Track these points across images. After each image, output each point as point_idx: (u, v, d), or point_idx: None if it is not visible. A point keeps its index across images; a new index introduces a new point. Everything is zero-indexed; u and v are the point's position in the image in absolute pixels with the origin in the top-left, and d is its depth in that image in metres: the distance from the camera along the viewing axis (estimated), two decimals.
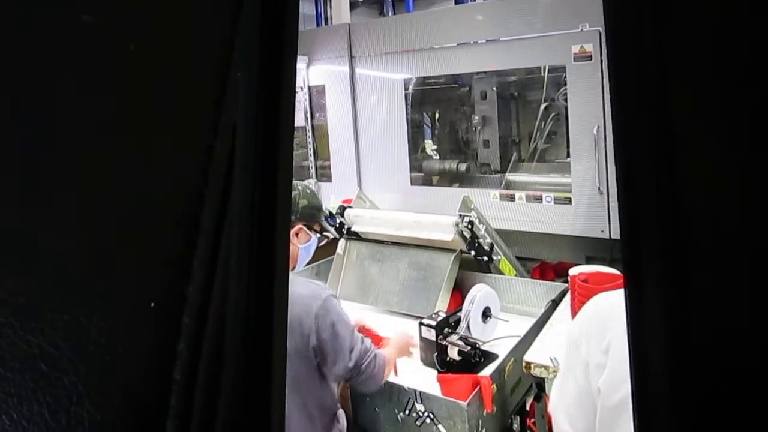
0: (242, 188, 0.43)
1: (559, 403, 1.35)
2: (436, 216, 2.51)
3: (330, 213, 2.81)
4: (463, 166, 3.19)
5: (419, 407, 1.77)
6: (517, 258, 2.73)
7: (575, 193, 2.59)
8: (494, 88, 3.08)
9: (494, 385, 1.78)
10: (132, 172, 0.40)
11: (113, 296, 0.39)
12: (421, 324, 2.06)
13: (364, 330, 1.96)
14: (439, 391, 1.83)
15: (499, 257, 2.53)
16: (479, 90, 3.13)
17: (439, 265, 2.51)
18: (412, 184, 3.16)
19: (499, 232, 2.63)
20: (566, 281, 2.23)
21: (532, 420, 2.07)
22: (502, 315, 2.22)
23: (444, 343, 1.99)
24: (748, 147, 0.33)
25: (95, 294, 0.38)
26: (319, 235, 1.87)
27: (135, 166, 0.40)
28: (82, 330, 0.38)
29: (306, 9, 8.36)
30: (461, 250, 2.48)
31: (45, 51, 0.36)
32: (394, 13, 8.67)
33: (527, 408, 2.09)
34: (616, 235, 2.44)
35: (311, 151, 3.66)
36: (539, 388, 1.96)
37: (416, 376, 1.97)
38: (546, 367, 1.78)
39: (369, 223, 2.71)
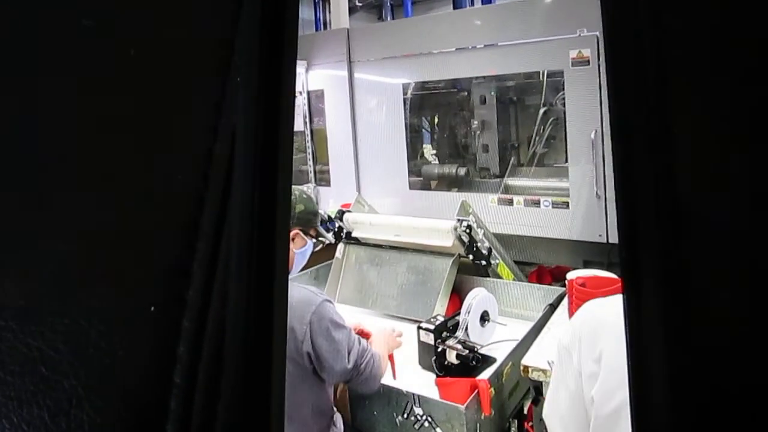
0: (242, 191, 0.43)
1: (552, 411, 1.35)
2: (434, 220, 2.52)
3: (329, 217, 2.82)
4: (462, 171, 3.20)
5: (417, 411, 1.76)
6: (515, 262, 2.74)
7: (573, 197, 2.59)
8: (493, 93, 3.09)
9: (492, 389, 1.78)
10: (131, 175, 0.40)
11: (113, 299, 0.39)
12: (419, 328, 2.06)
13: (362, 333, 1.96)
14: (437, 394, 1.83)
15: (497, 261, 2.54)
16: (478, 94, 3.14)
17: (437, 269, 2.52)
18: (410, 188, 3.16)
19: (497, 236, 2.63)
20: (564, 285, 2.24)
21: (530, 423, 2.07)
22: (500, 319, 2.22)
23: (442, 346, 1.99)
24: (747, 148, 0.33)
25: (95, 297, 0.38)
26: (314, 240, 1.87)
27: (134, 169, 0.40)
28: (82, 333, 0.37)
29: (305, 14, 8.39)
30: (459, 254, 2.48)
31: (44, 52, 0.36)
32: (393, 18, 8.70)
33: (525, 411, 2.09)
34: (613, 239, 2.45)
35: (310, 156, 3.66)
36: (537, 391, 1.97)
37: (414, 379, 1.98)
38: (544, 371, 1.78)
39: (368, 227, 2.72)
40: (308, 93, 3.54)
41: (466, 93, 3.29)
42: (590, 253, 2.61)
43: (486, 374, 1.86)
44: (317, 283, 2.82)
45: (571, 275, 2.10)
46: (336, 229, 2.79)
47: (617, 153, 0.37)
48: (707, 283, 0.35)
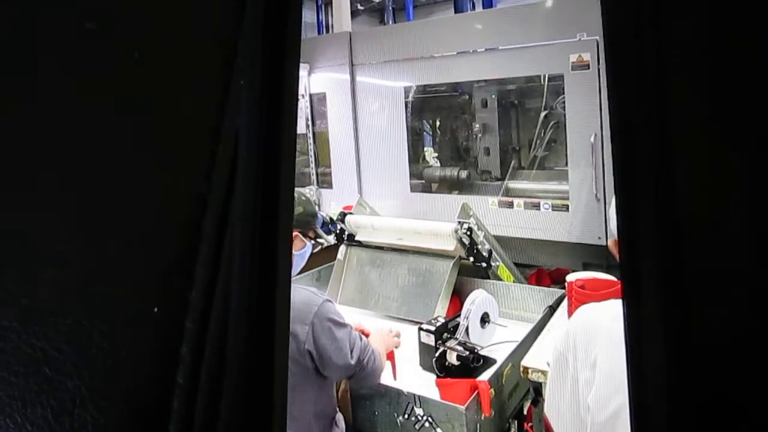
0: (245, 193, 0.43)
1: (553, 410, 1.36)
2: (435, 223, 2.53)
3: (330, 219, 2.83)
4: (463, 174, 3.20)
5: (418, 411, 1.77)
6: (515, 264, 2.75)
7: (572, 200, 2.60)
8: (494, 96, 3.09)
9: (492, 390, 1.78)
10: (134, 177, 0.40)
11: (116, 300, 0.39)
12: (420, 329, 2.07)
13: (361, 332, 1.98)
14: (438, 395, 1.84)
15: (497, 263, 2.55)
16: (479, 98, 3.15)
17: (438, 271, 2.53)
18: (411, 190, 3.17)
19: (497, 238, 2.64)
20: (562, 288, 2.25)
21: (530, 424, 2.08)
22: (500, 320, 2.23)
23: (443, 348, 2.00)
24: (747, 150, 0.33)
25: (98, 298, 0.39)
26: (313, 242, 1.89)
27: (137, 171, 0.40)
28: (85, 334, 0.38)
29: (307, 17, 8.41)
30: (460, 257, 2.49)
31: (47, 53, 0.36)
32: (395, 22, 8.71)
33: (525, 412, 2.09)
34: None
35: (312, 158, 3.67)
36: (536, 392, 1.98)
37: (415, 380, 1.98)
38: (543, 372, 1.78)
39: (369, 229, 2.73)
40: (311, 96, 3.55)
41: (467, 96, 3.30)
42: (589, 256, 2.62)
43: (486, 375, 1.87)
44: (319, 284, 2.83)
45: (570, 277, 2.11)
46: (337, 231, 2.81)
47: (617, 155, 0.37)
48: (707, 284, 0.35)
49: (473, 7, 8.02)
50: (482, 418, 1.75)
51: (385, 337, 1.96)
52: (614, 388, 1.16)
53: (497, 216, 2.83)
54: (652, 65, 0.34)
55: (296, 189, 1.98)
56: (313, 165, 3.68)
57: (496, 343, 2.17)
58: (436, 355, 1.99)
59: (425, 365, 2.06)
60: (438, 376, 1.98)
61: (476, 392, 1.76)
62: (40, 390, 0.37)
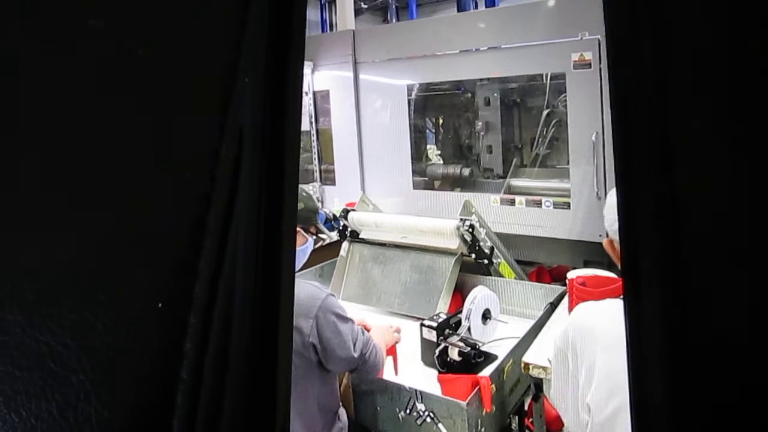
0: (249, 190, 0.43)
1: (558, 400, 1.38)
2: (437, 220, 2.54)
3: (333, 216, 2.85)
4: (465, 171, 3.22)
5: (420, 406, 1.78)
6: (517, 261, 2.76)
7: (574, 198, 2.62)
8: (497, 95, 3.10)
9: (493, 386, 1.79)
10: (139, 174, 0.40)
11: (121, 296, 0.39)
12: (422, 325, 2.08)
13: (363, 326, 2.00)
14: (440, 390, 1.85)
15: (499, 260, 2.56)
16: (482, 96, 3.16)
17: (440, 268, 2.54)
18: (414, 188, 3.19)
19: (499, 235, 2.65)
20: (564, 285, 2.27)
21: (530, 420, 2.10)
22: (501, 317, 2.24)
23: (444, 343, 2.01)
24: (748, 149, 0.33)
25: (103, 293, 0.39)
26: (315, 238, 1.90)
27: (142, 168, 0.40)
28: (90, 329, 0.38)
29: (311, 15, 8.41)
30: (462, 253, 2.50)
31: (51, 53, 0.36)
32: (398, 20, 8.70)
33: (525, 408, 2.11)
34: None
35: (316, 155, 3.69)
36: (537, 388, 1.99)
37: (417, 375, 2.00)
38: (544, 368, 1.79)
39: (372, 226, 2.75)
40: (314, 93, 3.56)
41: (470, 94, 3.31)
42: (590, 253, 2.63)
43: (487, 371, 1.88)
44: (322, 280, 2.85)
45: (571, 274, 2.12)
46: (340, 228, 2.82)
47: (618, 153, 0.37)
48: (707, 283, 0.34)
49: (476, 6, 8.00)
50: (483, 413, 1.76)
51: (385, 332, 1.98)
52: (611, 390, 1.18)
53: (499, 213, 2.84)
54: (653, 64, 0.34)
55: None
56: (316, 162, 3.70)
57: (498, 339, 2.18)
58: (438, 350, 2.00)
59: (427, 361, 2.07)
60: (439, 372, 1.99)
61: (477, 388, 1.77)
62: (45, 384, 0.37)
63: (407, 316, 2.51)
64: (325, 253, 2.88)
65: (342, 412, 1.83)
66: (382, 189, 3.26)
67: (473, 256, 2.47)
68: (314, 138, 3.68)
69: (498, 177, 3.18)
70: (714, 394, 0.35)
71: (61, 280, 0.38)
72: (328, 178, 3.67)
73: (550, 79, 2.86)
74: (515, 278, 2.63)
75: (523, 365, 1.86)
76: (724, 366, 0.34)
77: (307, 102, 3.57)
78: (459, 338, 2.03)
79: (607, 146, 2.44)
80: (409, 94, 3.16)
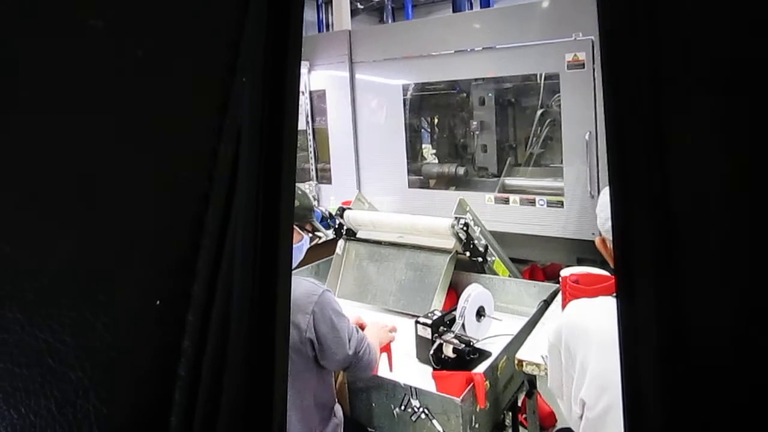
0: (246, 190, 0.43)
1: (555, 388, 1.40)
2: (432, 218, 2.55)
3: (329, 214, 2.86)
4: (460, 170, 3.24)
5: (414, 403, 1.78)
6: (511, 259, 2.77)
7: (567, 196, 2.64)
8: (491, 95, 3.13)
9: (487, 382, 1.80)
10: (138, 174, 0.40)
11: (120, 294, 0.40)
12: (417, 322, 2.09)
13: (359, 324, 2.01)
14: (434, 387, 1.86)
15: (493, 258, 2.57)
16: (477, 96, 3.18)
17: (435, 266, 2.55)
18: (410, 186, 3.20)
19: (493, 234, 2.67)
20: (555, 283, 2.28)
21: (524, 415, 2.12)
22: (495, 314, 2.24)
23: (439, 341, 2.02)
24: (740, 148, 0.33)
25: (102, 292, 0.39)
26: (310, 235, 1.92)
27: (141, 168, 0.40)
28: (88, 326, 0.38)
29: (308, 15, 8.41)
30: (457, 251, 2.52)
31: (50, 53, 0.36)
32: (394, 21, 8.71)
33: (519, 404, 2.12)
34: None
35: (312, 154, 3.70)
36: (531, 385, 2.01)
37: (412, 372, 2.01)
38: (538, 365, 1.80)
39: (368, 224, 2.76)
40: (310, 93, 3.58)
41: (465, 94, 3.33)
42: (583, 251, 2.64)
43: (481, 368, 1.88)
44: (318, 278, 2.84)
45: (564, 272, 2.13)
46: (336, 226, 2.84)
47: (611, 153, 0.37)
48: (699, 281, 0.35)
49: (471, 7, 8.04)
50: (477, 409, 1.77)
51: (379, 331, 1.99)
52: (602, 388, 1.19)
53: (493, 212, 2.86)
54: (646, 65, 0.34)
55: None
56: (312, 161, 3.71)
57: (492, 336, 2.19)
58: (433, 347, 2.01)
59: (422, 358, 2.08)
60: (434, 369, 1.99)
61: (472, 384, 1.77)
62: (44, 381, 0.37)
63: (402, 313, 2.52)
64: (321, 251, 2.88)
65: (338, 408, 1.84)
66: (378, 188, 3.27)
67: (468, 254, 2.48)
68: (311, 137, 3.69)
69: (492, 176, 3.20)
70: (706, 392, 0.35)
71: (60, 279, 0.38)
72: (324, 176, 3.68)
73: (544, 79, 2.88)
74: (509, 276, 2.64)
75: (516, 362, 1.87)
76: (716, 364, 0.35)
77: (303, 101, 3.58)
78: (453, 335, 2.04)
79: (600, 145, 2.46)
80: (405, 94, 3.17)
